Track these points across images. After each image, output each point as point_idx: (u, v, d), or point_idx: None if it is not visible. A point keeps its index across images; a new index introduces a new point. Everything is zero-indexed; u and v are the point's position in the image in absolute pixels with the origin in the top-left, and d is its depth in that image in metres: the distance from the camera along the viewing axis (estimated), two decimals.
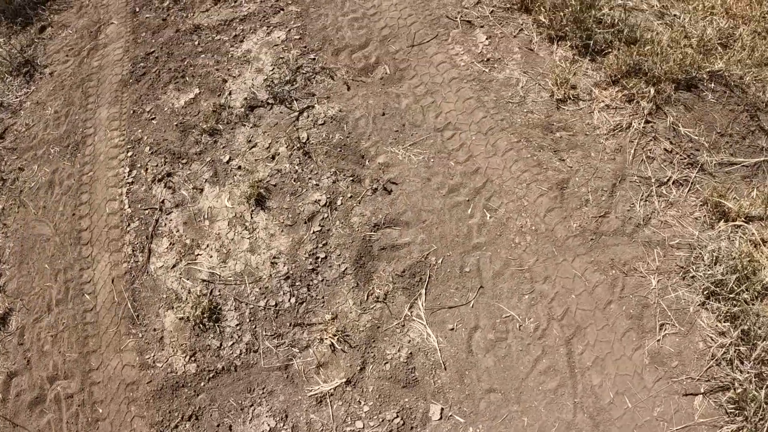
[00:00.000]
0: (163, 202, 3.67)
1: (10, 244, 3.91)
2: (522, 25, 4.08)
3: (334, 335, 3.02)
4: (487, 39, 4.02)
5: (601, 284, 2.90)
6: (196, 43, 4.39)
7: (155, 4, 4.75)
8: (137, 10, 4.77)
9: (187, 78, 4.19)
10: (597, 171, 3.26)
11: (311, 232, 3.33)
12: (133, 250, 3.54)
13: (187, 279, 3.35)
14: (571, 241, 3.06)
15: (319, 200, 3.41)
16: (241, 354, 3.10)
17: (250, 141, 3.74)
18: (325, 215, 3.38)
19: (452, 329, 2.97)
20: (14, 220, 3.99)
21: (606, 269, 2.93)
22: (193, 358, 3.13)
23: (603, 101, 3.56)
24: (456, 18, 4.12)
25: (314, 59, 4.04)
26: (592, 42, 3.70)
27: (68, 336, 3.44)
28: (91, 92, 4.38)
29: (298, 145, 3.62)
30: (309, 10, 4.37)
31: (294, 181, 3.53)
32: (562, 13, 3.83)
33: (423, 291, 3.10)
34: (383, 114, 3.72)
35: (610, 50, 3.70)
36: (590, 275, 2.94)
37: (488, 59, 3.91)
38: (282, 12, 4.39)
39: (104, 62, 4.51)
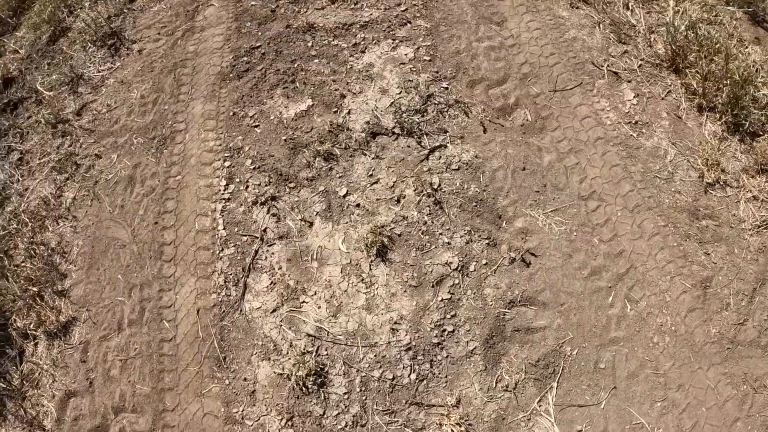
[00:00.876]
0: (265, 230, 3.23)
1: (79, 242, 3.47)
2: (670, 86, 3.73)
3: (458, 423, 2.67)
4: (635, 97, 3.63)
5: (731, 399, 2.75)
6: (309, 44, 3.92)
7: None
8: None
9: (298, 84, 3.72)
10: (740, 271, 3.07)
11: (439, 299, 2.94)
12: (225, 281, 3.13)
13: (289, 329, 2.95)
14: (708, 347, 2.88)
15: (450, 263, 3.01)
16: (346, 426, 2.74)
17: (371, 175, 3.30)
18: (456, 281, 2.99)
19: (580, 431, 2.73)
20: (86, 214, 3.56)
21: (738, 383, 2.78)
22: (290, 423, 2.77)
23: (750, 191, 3.31)
24: (602, 66, 3.72)
25: (447, 89, 3.59)
26: (747, 123, 3.38)
27: (140, 365, 3.06)
28: (185, 81, 3.90)
29: (429, 191, 3.19)
30: (439, 28, 3.90)
31: (422, 233, 3.12)
32: (719, 84, 3.49)
33: (554, 384, 2.80)
34: (524, 169, 3.31)
35: (762, 133, 3.40)
36: (722, 388, 2.78)
37: (636, 122, 3.54)
38: (409, 25, 3.92)
39: (201, 48, 4.02)
